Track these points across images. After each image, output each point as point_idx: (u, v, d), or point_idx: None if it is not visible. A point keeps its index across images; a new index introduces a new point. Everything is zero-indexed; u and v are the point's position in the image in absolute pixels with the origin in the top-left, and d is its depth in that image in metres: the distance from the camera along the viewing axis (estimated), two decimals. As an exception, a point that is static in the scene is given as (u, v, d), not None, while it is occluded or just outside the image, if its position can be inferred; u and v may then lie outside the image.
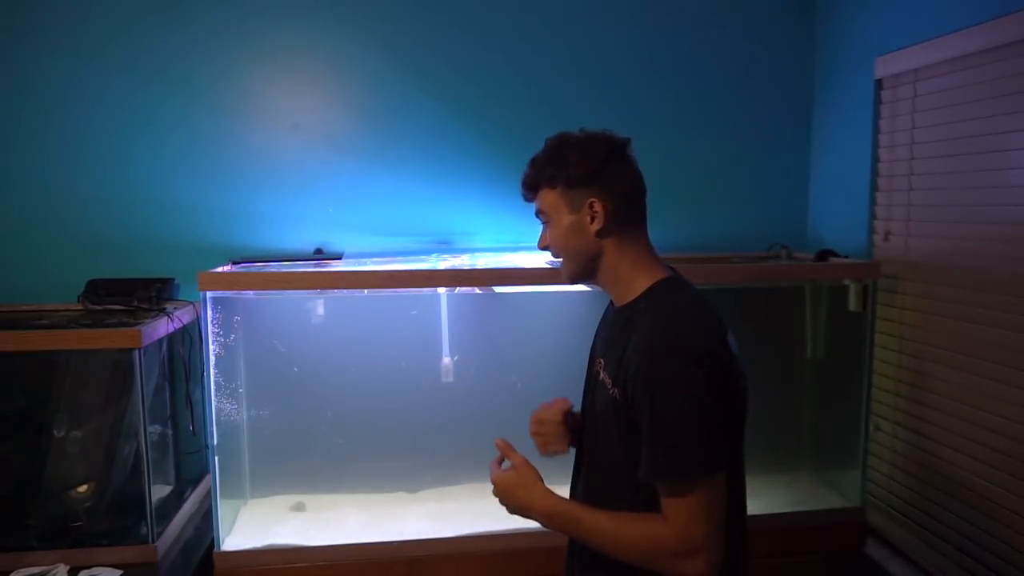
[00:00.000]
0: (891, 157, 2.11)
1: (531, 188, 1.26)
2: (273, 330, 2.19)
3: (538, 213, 1.27)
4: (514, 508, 1.25)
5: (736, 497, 1.17)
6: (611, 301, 1.31)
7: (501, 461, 1.30)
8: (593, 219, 1.20)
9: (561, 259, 1.27)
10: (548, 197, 1.24)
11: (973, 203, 1.82)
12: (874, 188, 2.17)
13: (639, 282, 1.21)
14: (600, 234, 1.20)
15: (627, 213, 1.22)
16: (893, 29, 2.05)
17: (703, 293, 1.23)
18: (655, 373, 1.09)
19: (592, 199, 1.19)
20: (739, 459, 1.20)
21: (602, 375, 1.21)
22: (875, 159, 2.16)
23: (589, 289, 1.95)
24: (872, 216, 2.19)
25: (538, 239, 1.30)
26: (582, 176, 1.19)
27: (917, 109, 2.00)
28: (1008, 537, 1.71)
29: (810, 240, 2.48)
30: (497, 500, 1.27)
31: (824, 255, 2.18)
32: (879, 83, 2.13)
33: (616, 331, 1.21)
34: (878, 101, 2.14)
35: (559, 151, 1.23)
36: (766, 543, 2.01)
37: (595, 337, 1.35)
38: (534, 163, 1.25)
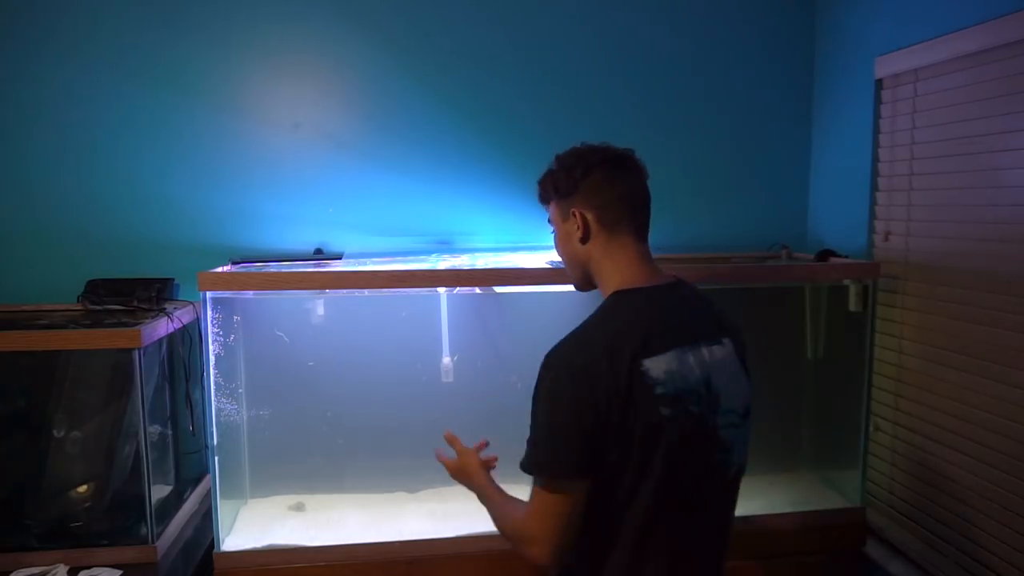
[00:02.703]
0: (891, 157, 2.11)
1: (541, 201, 1.39)
2: (273, 330, 2.19)
3: (548, 222, 1.39)
4: (464, 485, 1.46)
5: (642, 518, 1.16)
6: None
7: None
8: (578, 228, 1.28)
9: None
10: (550, 209, 1.36)
11: (973, 203, 1.82)
12: (874, 188, 2.17)
13: (607, 288, 1.28)
14: (582, 241, 1.29)
15: (609, 222, 1.27)
16: (893, 29, 2.05)
17: (656, 309, 1.22)
18: (539, 374, 1.20)
19: (573, 209, 1.28)
20: (646, 484, 1.15)
21: None
22: (875, 159, 2.16)
23: (589, 289, 1.96)
24: (872, 216, 2.19)
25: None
26: (567, 187, 1.29)
27: (917, 109, 2.00)
28: (1008, 537, 1.71)
29: (810, 240, 2.48)
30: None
31: (824, 255, 2.18)
32: (879, 83, 2.13)
33: None
34: (878, 101, 2.14)
35: (555, 163, 1.34)
36: (766, 543, 2.01)
37: None
38: (540, 178, 1.37)
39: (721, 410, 1.20)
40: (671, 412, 1.15)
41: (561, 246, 1.35)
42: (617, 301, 1.25)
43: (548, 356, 1.20)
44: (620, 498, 1.17)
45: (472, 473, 1.43)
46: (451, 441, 1.53)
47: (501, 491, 1.36)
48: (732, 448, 1.22)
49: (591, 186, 1.27)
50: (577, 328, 1.22)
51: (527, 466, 1.18)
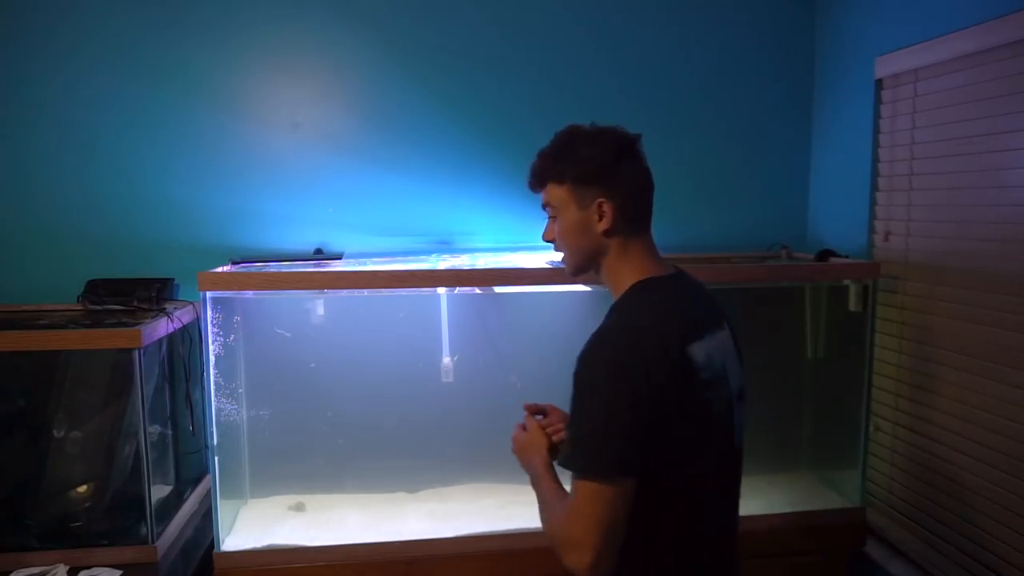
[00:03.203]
0: (891, 157, 2.11)
1: (539, 181, 1.26)
2: (273, 330, 2.19)
3: (544, 206, 1.27)
4: (522, 466, 1.31)
5: (688, 511, 1.17)
6: None
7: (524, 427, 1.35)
8: (601, 218, 1.20)
9: (563, 253, 1.28)
10: (556, 192, 1.23)
11: (973, 203, 1.82)
12: (874, 188, 2.17)
13: (625, 281, 1.22)
14: (607, 234, 1.21)
15: (634, 213, 1.22)
16: (893, 29, 2.05)
17: (679, 297, 1.21)
18: (580, 368, 1.11)
19: (601, 199, 1.19)
20: (694, 473, 1.16)
21: None
22: (875, 159, 2.16)
23: (589, 289, 1.96)
24: (872, 216, 2.19)
25: (543, 231, 1.30)
26: (592, 174, 1.19)
27: (917, 109, 2.00)
28: (1008, 537, 1.71)
29: (810, 240, 2.48)
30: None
31: (824, 255, 2.18)
32: (879, 83, 2.13)
33: None
34: (878, 101, 2.14)
35: (570, 145, 1.22)
36: (766, 543, 2.01)
37: None
38: (543, 156, 1.25)
39: (732, 392, 1.22)
40: (711, 396, 1.16)
41: (572, 235, 1.23)
42: (644, 291, 1.20)
43: (592, 350, 1.12)
44: (676, 487, 1.13)
45: (536, 454, 1.28)
46: (529, 411, 1.38)
47: (558, 484, 1.22)
48: (739, 429, 1.25)
49: (619, 175, 1.20)
50: (613, 320, 1.17)
51: (574, 464, 1.09)
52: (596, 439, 1.08)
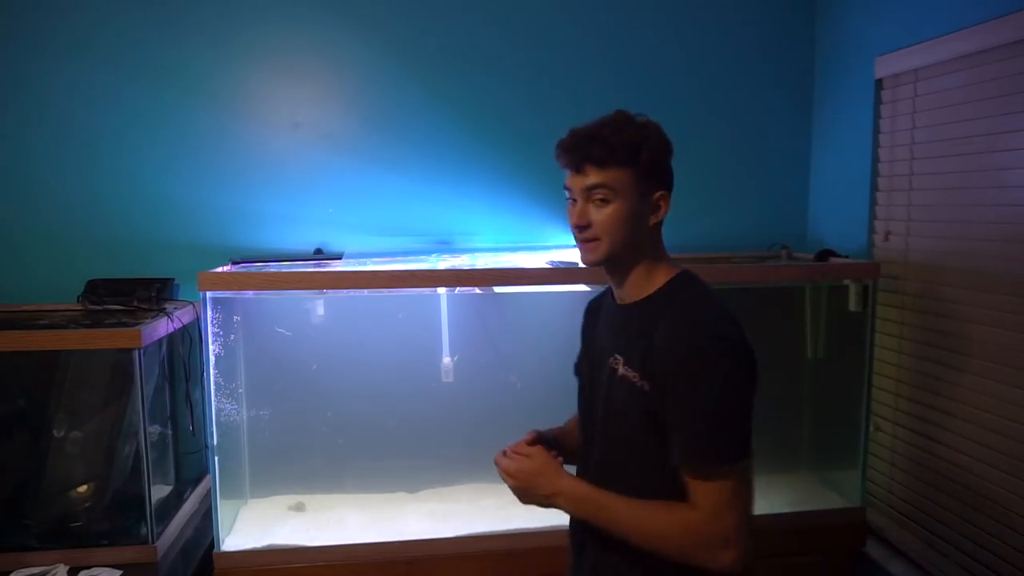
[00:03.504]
0: (891, 157, 2.11)
1: (598, 160, 1.13)
2: (273, 330, 2.19)
3: (594, 188, 1.14)
4: (537, 497, 1.19)
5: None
6: (609, 298, 1.29)
7: (505, 452, 1.27)
8: (654, 212, 1.17)
9: (598, 239, 1.16)
10: (618, 175, 1.13)
11: (973, 203, 1.82)
12: (874, 188, 2.17)
13: (658, 276, 1.20)
14: (655, 227, 1.19)
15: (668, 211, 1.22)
16: (893, 29, 2.05)
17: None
18: (693, 360, 1.08)
19: (662, 192, 1.17)
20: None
21: (622, 371, 1.17)
22: (875, 159, 2.16)
23: (588, 289, 1.96)
24: (872, 216, 2.19)
25: (576, 214, 1.17)
26: (661, 167, 1.17)
27: (917, 109, 2.00)
28: (1008, 537, 1.71)
29: (810, 240, 2.48)
30: (513, 491, 1.23)
31: (824, 255, 2.18)
32: (879, 83, 2.13)
33: (634, 325, 1.19)
34: (878, 101, 2.15)
35: (643, 131, 1.15)
36: (766, 543, 2.00)
37: (590, 338, 1.33)
38: (608, 136, 1.13)
39: None
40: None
41: (625, 223, 1.15)
42: (693, 283, 1.20)
43: (701, 338, 1.09)
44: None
45: (560, 477, 1.18)
46: (529, 440, 1.28)
47: (613, 493, 1.14)
48: None
49: (672, 170, 1.20)
50: (694, 308, 1.14)
51: (712, 458, 1.05)
52: (740, 427, 1.07)
